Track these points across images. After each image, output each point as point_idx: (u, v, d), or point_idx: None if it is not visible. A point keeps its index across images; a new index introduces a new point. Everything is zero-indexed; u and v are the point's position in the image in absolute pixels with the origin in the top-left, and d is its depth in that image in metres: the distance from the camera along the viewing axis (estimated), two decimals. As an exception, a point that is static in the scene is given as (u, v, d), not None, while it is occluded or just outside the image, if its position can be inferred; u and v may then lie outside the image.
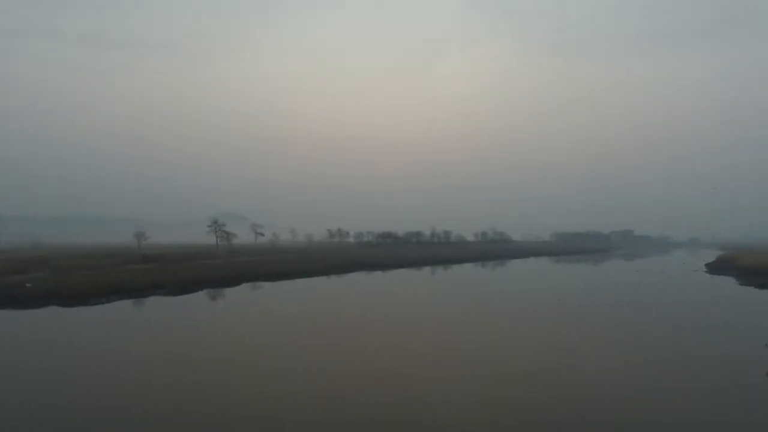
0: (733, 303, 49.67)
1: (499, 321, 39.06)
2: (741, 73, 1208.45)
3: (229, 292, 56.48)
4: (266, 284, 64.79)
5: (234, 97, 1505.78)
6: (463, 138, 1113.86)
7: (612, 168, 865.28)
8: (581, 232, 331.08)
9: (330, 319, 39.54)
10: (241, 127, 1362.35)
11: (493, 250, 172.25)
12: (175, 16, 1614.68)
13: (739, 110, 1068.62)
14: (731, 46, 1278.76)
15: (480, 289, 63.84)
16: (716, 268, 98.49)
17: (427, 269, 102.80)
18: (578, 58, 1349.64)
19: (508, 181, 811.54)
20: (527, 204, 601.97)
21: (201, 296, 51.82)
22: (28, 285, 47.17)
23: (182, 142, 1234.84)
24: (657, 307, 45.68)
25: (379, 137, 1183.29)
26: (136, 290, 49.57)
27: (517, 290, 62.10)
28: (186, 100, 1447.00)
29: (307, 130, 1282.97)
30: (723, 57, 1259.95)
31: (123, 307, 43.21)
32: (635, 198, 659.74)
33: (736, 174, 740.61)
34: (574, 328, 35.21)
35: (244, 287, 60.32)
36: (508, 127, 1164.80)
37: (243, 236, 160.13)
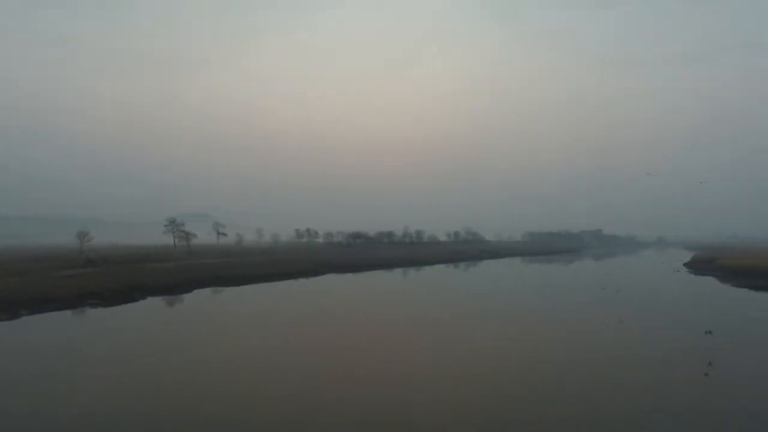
0: (735, 306, 45.35)
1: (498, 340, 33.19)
2: (709, 77, 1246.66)
3: (176, 300, 49.22)
4: (223, 290, 57.68)
5: (205, 96, 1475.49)
6: (438, 139, 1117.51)
7: (581, 169, 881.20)
8: (553, 231, 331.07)
9: (292, 333, 33.03)
10: (211, 126, 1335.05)
11: (467, 250, 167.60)
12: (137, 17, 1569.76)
13: (705, 116, 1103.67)
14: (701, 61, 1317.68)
15: (465, 292, 58.09)
16: (698, 268, 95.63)
17: (400, 271, 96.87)
18: (557, 59, 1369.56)
19: (481, 182, 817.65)
20: (499, 205, 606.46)
21: (138, 307, 44.34)
22: None
23: (154, 141, 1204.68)
24: (659, 314, 40.73)
25: (353, 138, 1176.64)
26: (60, 301, 41.78)
27: (508, 291, 56.76)
28: (160, 102, 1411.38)
29: (279, 130, 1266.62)
30: (694, 67, 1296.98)
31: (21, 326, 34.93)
32: (603, 199, 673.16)
33: (700, 177, 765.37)
34: (605, 348, 29.54)
35: (196, 294, 53.04)
36: (482, 128, 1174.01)
37: (212, 237, 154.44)
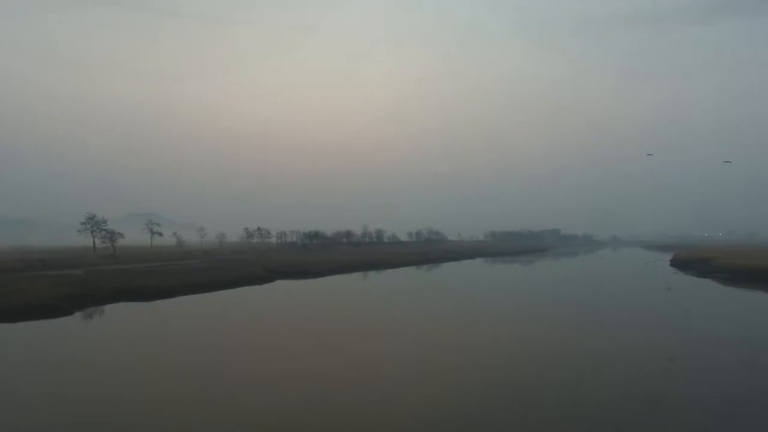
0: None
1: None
2: (661, 83, 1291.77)
3: (48, 326, 33.15)
4: (128, 306, 41.85)
5: (155, 92, 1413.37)
6: (397, 139, 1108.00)
7: (537, 170, 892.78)
8: (515, 231, 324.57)
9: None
10: (163, 124, 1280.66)
11: (433, 250, 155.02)
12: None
13: (659, 119, 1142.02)
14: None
15: (446, 309, 44.37)
16: (696, 270, 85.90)
17: (360, 276, 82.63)
18: (512, 59, 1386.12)
19: (442, 182, 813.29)
20: (460, 204, 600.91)
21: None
22: None
23: (103, 141, 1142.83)
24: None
25: (308, 138, 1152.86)
26: None
27: (508, 306, 43.52)
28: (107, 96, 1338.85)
29: (231, 130, 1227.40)
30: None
31: None
32: (558, 200, 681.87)
33: (653, 178, 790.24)
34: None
35: (70, 320, 36.70)
36: (440, 128, 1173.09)
37: (162, 238, 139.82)
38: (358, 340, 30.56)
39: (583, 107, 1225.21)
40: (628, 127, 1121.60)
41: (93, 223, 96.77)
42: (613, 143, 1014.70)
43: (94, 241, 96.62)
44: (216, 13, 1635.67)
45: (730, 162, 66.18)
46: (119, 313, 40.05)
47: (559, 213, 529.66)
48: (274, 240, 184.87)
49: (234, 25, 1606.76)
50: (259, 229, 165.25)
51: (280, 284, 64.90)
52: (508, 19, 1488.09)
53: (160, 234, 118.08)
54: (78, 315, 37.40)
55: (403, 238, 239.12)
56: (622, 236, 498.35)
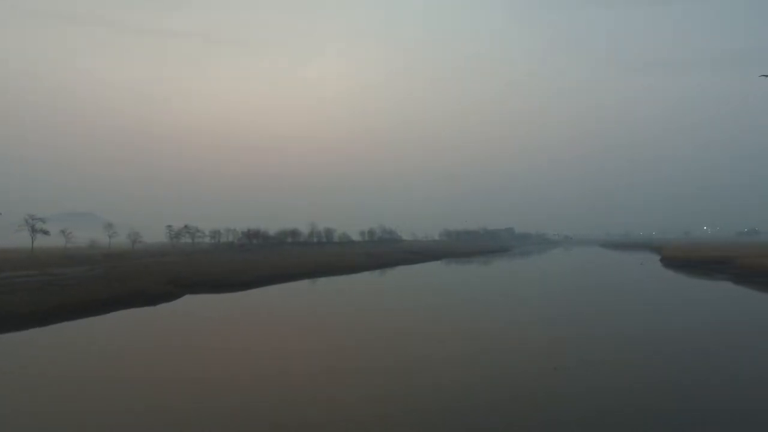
0: None
1: None
2: (612, 78, 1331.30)
3: None
4: None
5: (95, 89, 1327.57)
6: (350, 138, 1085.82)
7: (490, 169, 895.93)
8: (470, 230, 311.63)
9: None
10: (101, 121, 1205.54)
11: (390, 251, 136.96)
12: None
13: (608, 117, 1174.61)
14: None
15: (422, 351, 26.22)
16: (705, 272, 72.13)
17: (306, 287, 63.38)
18: (471, 59, 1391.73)
19: (394, 182, 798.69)
20: (413, 203, 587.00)
21: None
22: None
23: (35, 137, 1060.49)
24: None
25: (251, 135, 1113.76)
26: None
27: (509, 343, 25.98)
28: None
29: (186, 128, 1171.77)
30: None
31: None
32: (511, 198, 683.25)
33: (604, 178, 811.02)
34: None
35: None
36: (394, 128, 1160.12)
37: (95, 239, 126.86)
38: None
39: (533, 110, 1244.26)
40: (582, 124, 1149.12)
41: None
42: (548, 147, 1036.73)
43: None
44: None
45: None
46: None
47: (509, 212, 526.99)
48: (207, 240, 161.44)
49: (170, 24, 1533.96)
50: (186, 227, 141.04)
51: (181, 305, 44.53)
52: (464, 16, 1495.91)
53: (46, 232, 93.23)
54: None
55: (355, 237, 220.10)
56: (574, 236, 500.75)
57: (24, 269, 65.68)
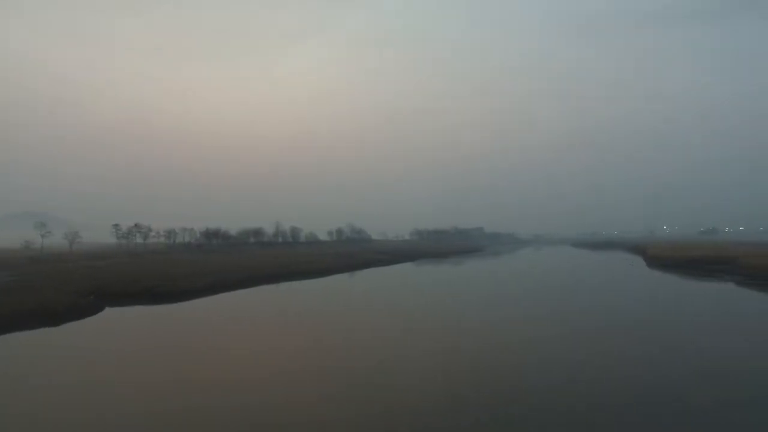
0: None
1: None
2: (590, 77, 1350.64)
3: None
4: None
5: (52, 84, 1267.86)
6: (317, 138, 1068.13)
7: (460, 170, 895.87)
8: (440, 229, 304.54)
9: None
10: (57, 117, 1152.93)
11: (360, 252, 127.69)
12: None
13: (581, 120, 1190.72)
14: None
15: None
16: (705, 272, 65.66)
17: (268, 295, 53.64)
18: (436, 58, 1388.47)
19: (362, 182, 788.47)
20: (382, 203, 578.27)
21: None
22: None
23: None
24: None
25: (214, 134, 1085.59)
26: None
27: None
28: None
29: (149, 127, 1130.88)
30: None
31: None
32: (479, 198, 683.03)
33: (563, 183, 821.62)
34: None
35: None
36: (363, 128, 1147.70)
37: (57, 240, 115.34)
38: None
39: (503, 111, 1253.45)
40: (552, 126, 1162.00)
41: None
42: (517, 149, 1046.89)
43: None
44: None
45: None
46: None
47: (478, 211, 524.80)
48: (163, 239, 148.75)
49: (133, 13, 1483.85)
50: (137, 226, 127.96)
51: (93, 324, 34.14)
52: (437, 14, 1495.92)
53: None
54: None
55: (323, 237, 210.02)
56: (544, 234, 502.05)
57: None
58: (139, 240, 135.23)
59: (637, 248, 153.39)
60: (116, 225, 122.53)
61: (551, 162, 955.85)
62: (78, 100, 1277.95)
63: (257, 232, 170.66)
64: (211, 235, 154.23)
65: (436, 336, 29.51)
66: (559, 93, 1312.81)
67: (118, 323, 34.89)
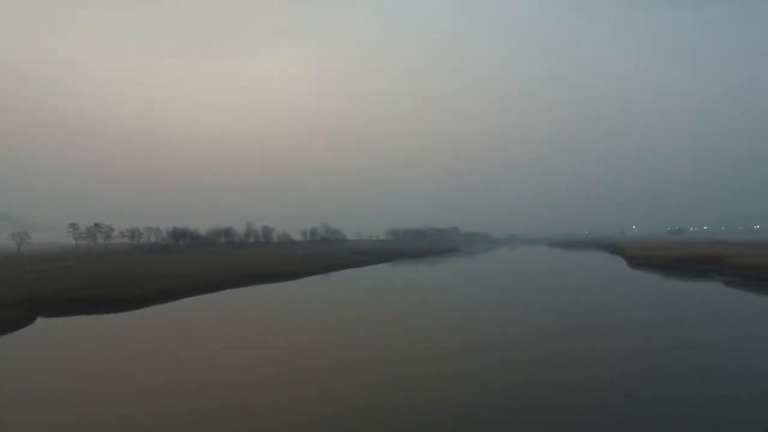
0: None
1: None
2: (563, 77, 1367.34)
3: None
4: None
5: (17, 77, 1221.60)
6: (291, 137, 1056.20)
7: (433, 169, 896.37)
8: (416, 229, 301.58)
9: None
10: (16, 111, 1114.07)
11: (335, 253, 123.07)
12: None
13: (558, 120, 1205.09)
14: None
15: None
16: (696, 273, 63.47)
17: (224, 297, 48.79)
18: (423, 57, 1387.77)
19: (336, 182, 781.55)
20: (357, 204, 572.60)
21: None
22: None
23: None
24: None
25: (197, 134, 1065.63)
26: None
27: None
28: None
29: (119, 125, 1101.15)
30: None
31: None
32: (454, 197, 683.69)
33: (540, 185, 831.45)
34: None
35: None
36: (337, 128, 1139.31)
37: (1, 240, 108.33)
38: None
39: (476, 114, 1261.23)
40: (522, 130, 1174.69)
41: None
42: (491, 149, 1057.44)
43: None
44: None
45: None
46: None
47: (453, 211, 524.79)
48: (126, 240, 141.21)
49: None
50: (97, 225, 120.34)
51: (11, 342, 28.94)
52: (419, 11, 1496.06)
53: None
54: None
55: (297, 237, 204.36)
56: (519, 234, 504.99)
57: None
58: (100, 240, 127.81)
59: (614, 248, 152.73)
60: (73, 224, 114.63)
61: (527, 164, 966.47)
62: (39, 95, 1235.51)
63: (228, 232, 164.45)
64: (178, 235, 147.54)
65: (415, 340, 25.36)
66: (531, 97, 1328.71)
67: (41, 341, 29.61)
